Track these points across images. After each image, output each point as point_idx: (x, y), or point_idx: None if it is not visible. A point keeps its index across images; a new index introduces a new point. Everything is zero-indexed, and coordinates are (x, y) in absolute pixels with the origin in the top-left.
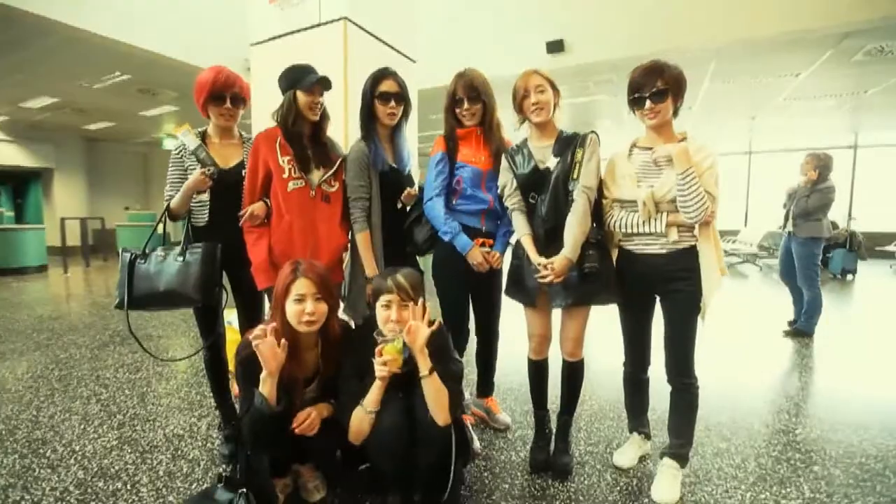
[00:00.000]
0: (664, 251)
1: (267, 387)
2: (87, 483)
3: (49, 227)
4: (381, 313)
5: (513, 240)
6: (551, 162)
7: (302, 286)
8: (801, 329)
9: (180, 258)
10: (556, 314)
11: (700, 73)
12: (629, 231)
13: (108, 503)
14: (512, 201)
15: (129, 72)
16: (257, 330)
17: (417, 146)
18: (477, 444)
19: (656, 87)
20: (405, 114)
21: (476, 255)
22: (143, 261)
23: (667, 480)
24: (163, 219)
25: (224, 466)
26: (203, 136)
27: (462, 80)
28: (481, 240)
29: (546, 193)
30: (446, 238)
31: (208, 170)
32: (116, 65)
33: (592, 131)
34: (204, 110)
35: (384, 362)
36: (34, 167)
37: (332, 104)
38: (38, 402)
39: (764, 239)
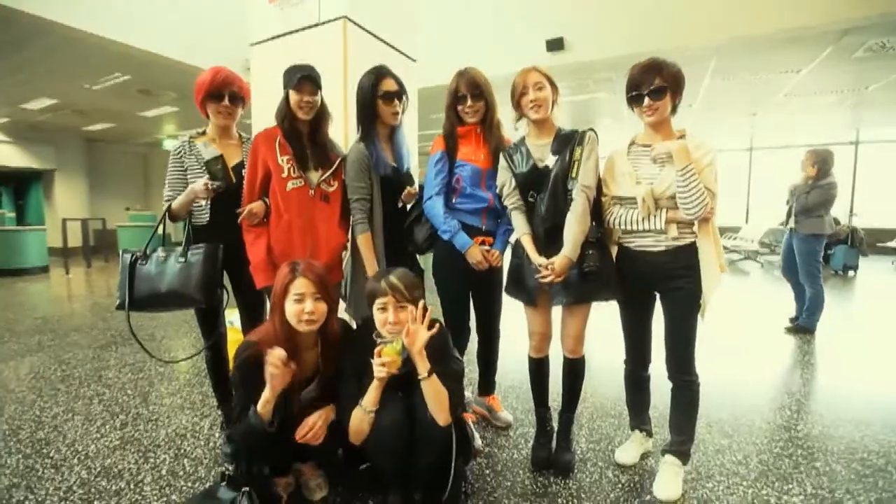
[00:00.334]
0: (664, 248)
1: (265, 406)
2: (91, 483)
3: (50, 227)
4: (377, 316)
5: (512, 239)
6: (550, 160)
7: (301, 285)
8: (803, 325)
9: (182, 259)
10: (557, 312)
11: (700, 71)
12: (629, 228)
13: (112, 502)
14: (511, 200)
15: (129, 72)
16: (279, 351)
17: (417, 146)
18: (478, 442)
19: (655, 84)
20: (404, 110)
21: (475, 253)
22: (143, 262)
23: (669, 477)
24: (163, 220)
25: (227, 465)
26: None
27: (464, 77)
28: (481, 238)
29: (545, 192)
30: (445, 237)
31: (213, 184)
32: (116, 65)
33: (591, 129)
34: (203, 109)
35: (383, 363)
36: (35, 168)
37: (331, 104)
38: (41, 403)
39: (765, 235)
